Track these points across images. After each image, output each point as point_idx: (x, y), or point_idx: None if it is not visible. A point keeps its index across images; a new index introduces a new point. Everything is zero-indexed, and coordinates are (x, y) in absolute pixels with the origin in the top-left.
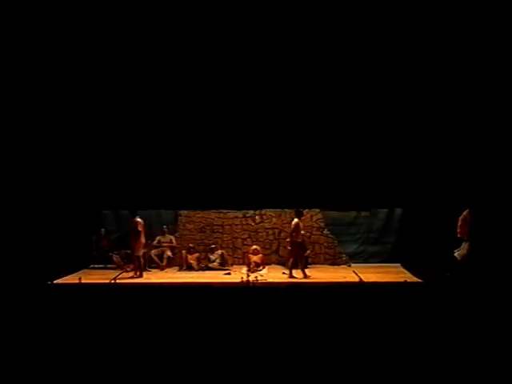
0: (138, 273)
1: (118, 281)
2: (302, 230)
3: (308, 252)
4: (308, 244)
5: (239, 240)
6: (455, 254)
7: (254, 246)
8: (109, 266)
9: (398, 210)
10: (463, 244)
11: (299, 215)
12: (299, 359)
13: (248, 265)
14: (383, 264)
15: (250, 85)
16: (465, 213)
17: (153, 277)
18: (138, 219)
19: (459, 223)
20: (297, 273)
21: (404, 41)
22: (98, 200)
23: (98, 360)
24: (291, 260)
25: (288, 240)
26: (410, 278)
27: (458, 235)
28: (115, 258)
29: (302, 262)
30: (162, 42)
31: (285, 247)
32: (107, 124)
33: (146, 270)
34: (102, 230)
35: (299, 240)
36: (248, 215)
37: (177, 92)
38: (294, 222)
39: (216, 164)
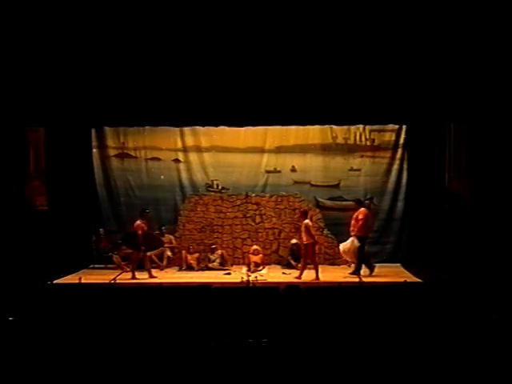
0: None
1: (117, 281)
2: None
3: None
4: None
5: (239, 240)
6: (340, 246)
7: (255, 247)
8: (109, 266)
9: (399, 209)
10: (351, 238)
11: (303, 216)
12: (299, 359)
13: (248, 265)
14: (383, 264)
15: None
16: (357, 212)
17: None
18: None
19: (352, 221)
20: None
21: None
22: (90, 115)
23: (98, 360)
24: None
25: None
26: (410, 278)
27: (352, 233)
28: (115, 258)
29: (304, 265)
30: None
31: (285, 247)
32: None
33: (146, 269)
34: (101, 231)
35: (305, 241)
36: (248, 215)
37: None
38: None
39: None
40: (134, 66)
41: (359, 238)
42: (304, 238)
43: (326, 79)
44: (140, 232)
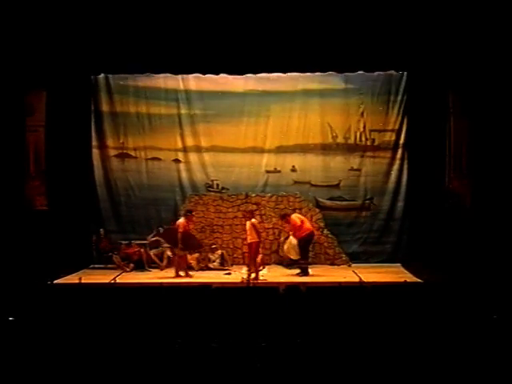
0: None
1: (118, 281)
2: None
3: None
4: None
5: (239, 240)
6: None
7: None
8: (109, 265)
9: (399, 209)
10: (289, 238)
11: (249, 215)
12: (299, 359)
13: (248, 265)
14: (383, 264)
15: None
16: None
17: (153, 277)
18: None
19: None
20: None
21: None
22: (91, 63)
23: (98, 360)
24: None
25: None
26: (410, 278)
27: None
28: (115, 258)
29: (253, 264)
30: None
31: None
32: None
33: (146, 269)
34: (101, 231)
35: (249, 240)
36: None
37: None
38: None
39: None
40: (133, 10)
41: (299, 240)
42: (248, 237)
43: (326, 24)
44: (181, 230)
